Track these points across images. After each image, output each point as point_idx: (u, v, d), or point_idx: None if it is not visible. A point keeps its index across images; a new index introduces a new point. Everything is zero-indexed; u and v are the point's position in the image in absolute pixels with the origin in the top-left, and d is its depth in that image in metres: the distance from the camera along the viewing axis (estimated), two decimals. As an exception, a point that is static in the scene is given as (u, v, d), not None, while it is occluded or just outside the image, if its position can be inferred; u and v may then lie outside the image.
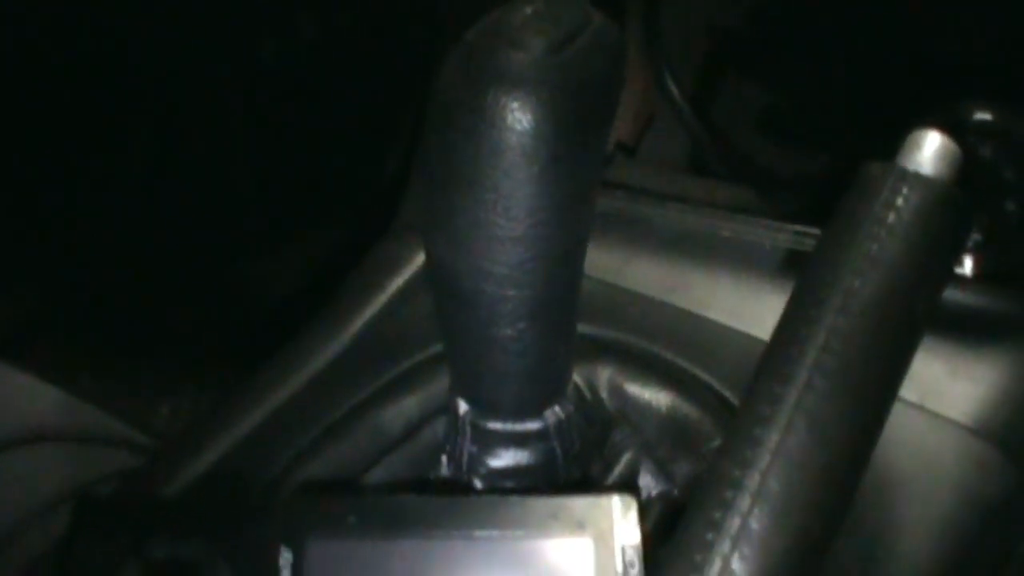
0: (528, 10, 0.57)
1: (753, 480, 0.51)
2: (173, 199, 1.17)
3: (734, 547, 0.50)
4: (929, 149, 0.57)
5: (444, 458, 0.73)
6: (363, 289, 0.92)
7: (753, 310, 0.83)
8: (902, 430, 0.60)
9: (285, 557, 0.60)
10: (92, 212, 1.12)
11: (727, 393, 0.78)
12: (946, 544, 0.72)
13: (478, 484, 0.68)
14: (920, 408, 0.75)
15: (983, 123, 0.87)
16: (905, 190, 0.55)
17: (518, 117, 0.54)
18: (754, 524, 0.51)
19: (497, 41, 0.55)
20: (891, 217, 0.55)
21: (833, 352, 0.53)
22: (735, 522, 0.51)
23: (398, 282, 0.92)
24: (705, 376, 0.79)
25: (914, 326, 0.56)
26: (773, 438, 0.52)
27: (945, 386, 0.76)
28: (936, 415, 0.76)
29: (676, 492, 0.73)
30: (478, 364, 0.64)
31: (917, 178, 0.56)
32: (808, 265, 0.57)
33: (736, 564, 0.50)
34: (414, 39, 1.16)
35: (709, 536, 0.51)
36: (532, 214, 0.57)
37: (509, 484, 0.68)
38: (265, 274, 1.32)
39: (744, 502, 0.51)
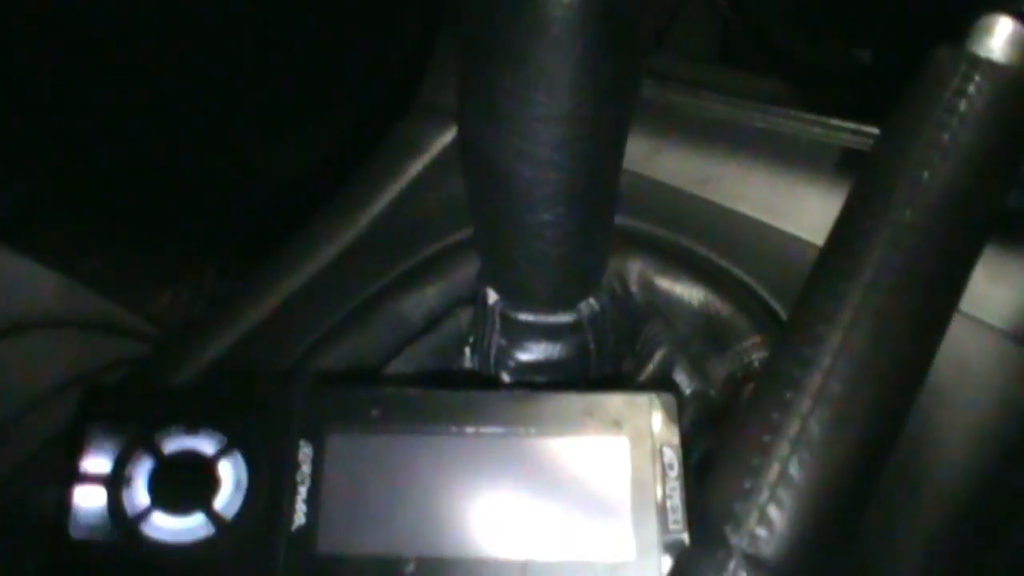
0: None
1: (814, 381, 0.48)
2: (173, 75, 1.14)
3: (793, 451, 0.47)
4: (1001, 35, 0.53)
5: (468, 350, 0.71)
6: (382, 173, 0.89)
7: (787, 205, 0.80)
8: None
9: (305, 451, 0.57)
10: (89, 89, 1.09)
11: (761, 291, 0.75)
12: (985, 451, 0.70)
13: (506, 378, 0.65)
14: (960, 313, 0.72)
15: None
16: (977, 77, 0.52)
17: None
18: (815, 427, 0.47)
19: None
20: (963, 105, 0.51)
21: (901, 247, 0.49)
22: (794, 425, 0.47)
23: (419, 165, 0.88)
24: (738, 272, 0.77)
25: (985, 220, 0.53)
26: (836, 337, 0.48)
27: (985, 291, 0.74)
28: (976, 320, 0.73)
29: (712, 392, 0.69)
30: (512, 251, 0.62)
31: (990, 65, 0.52)
32: (872, 154, 0.53)
33: (794, 469, 0.47)
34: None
35: (766, 438, 0.48)
36: (577, 92, 0.53)
37: (539, 379, 0.65)
38: (272, 157, 1.30)
39: (804, 403, 0.47)
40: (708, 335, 0.73)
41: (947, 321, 0.52)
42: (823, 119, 0.83)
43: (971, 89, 0.51)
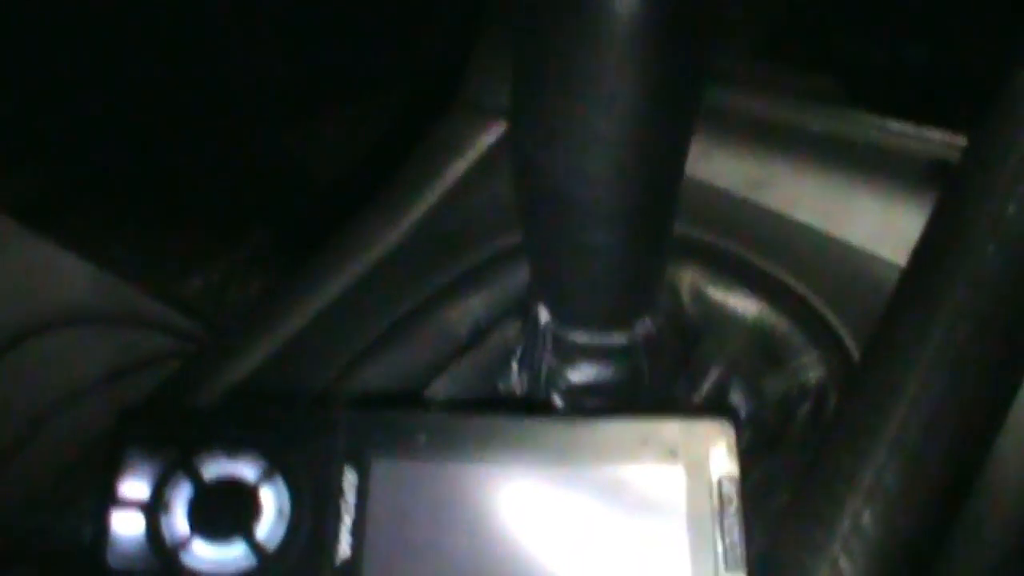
0: None
1: (890, 430, 0.46)
2: (204, 55, 1.12)
3: (866, 502, 0.45)
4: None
5: (515, 366, 0.69)
6: (423, 173, 0.87)
7: (844, 213, 0.78)
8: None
9: (349, 478, 0.55)
10: (115, 69, 1.07)
11: (817, 304, 0.73)
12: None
13: (557, 399, 0.64)
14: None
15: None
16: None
17: (634, 6, 0.48)
18: (889, 478, 0.45)
19: None
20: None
21: (981, 288, 0.47)
22: (869, 475, 0.45)
23: (462, 165, 0.86)
24: (793, 283, 0.74)
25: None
26: (913, 385, 0.46)
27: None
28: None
29: (767, 414, 0.67)
30: (567, 271, 0.61)
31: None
32: (953, 180, 0.51)
33: (867, 521, 0.45)
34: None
35: (839, 487, 0.45)
36: (636, 114, 0.52)
37: (590, 400, 0.63)
38: (304, 145, 1.28)
39: (879, 453, 0.45)
40: (763, 351, 0.72)
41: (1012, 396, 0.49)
42: (881, 121, 0.81)
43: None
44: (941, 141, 0.76)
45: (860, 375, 0.51)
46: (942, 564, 0.56)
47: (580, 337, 0.62)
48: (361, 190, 0.89)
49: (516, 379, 0.68)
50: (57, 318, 0.97)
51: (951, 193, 0.51)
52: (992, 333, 0.47)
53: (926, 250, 0.51)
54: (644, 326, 0.62)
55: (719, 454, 0.57)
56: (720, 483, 0.56)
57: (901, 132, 0.80)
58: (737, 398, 0.70)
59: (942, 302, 0.48)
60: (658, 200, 0.56)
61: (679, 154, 0.56)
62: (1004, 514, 0.66)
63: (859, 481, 0.46)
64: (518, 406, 0.68)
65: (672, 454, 0.57)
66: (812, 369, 0.70)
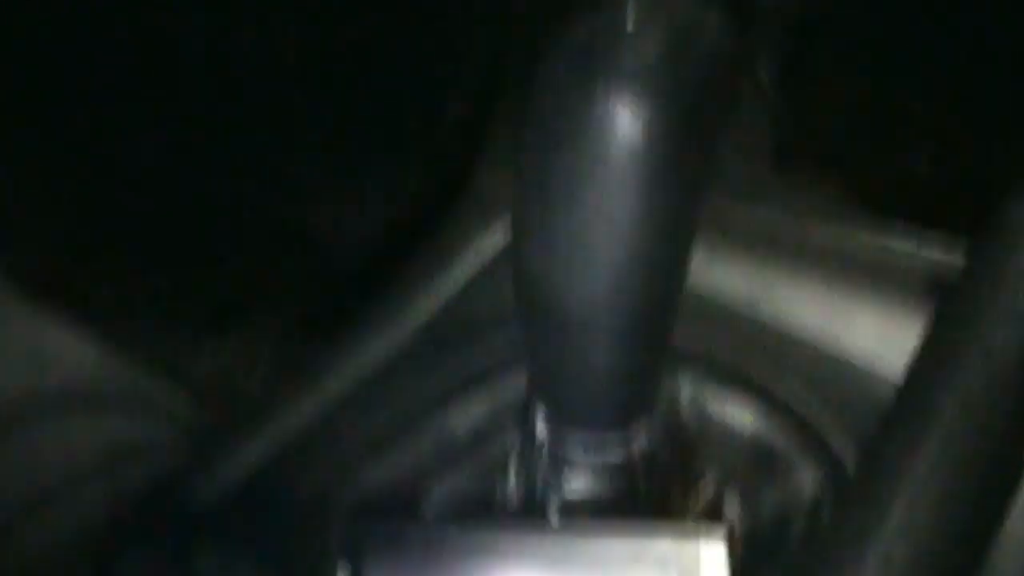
0: (643, 9, 0.51)
1: (876, 552, 0.46)
2: (210, 133, 1.14)
3: None
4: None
5: (512, 473, 0.70)
6: (430, 273, 0.88)
7: (844, 327, 0.79)
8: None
9: (345, 586, 0.56)
10: (127, 141, 1.09)
11: (815, 419, 0.74)
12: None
13: (553, 512, 0.64)
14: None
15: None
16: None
17: (628, 124, 0.50)
18: None
19: (610, 39, 0.51)
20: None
21: (969, 422, 0.48)
22: None
23: (468, 269, 0.88)
24: (792, 399, 0.75)
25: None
26: (895, 516, 0.47)
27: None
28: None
29: (763, 527, 0.68)
30: (565, 379, 0.62)
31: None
32: (942, 311, 0.52)
33: None
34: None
35: None
36: (635, 233, 0.53)
37: (585, 513, 0.63)
38: (315, 228, 1.29)
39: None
40: (759, 465, 0.73)
41: (1012, 495, 0.50)
42: (881, 234, 0.82)
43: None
44: (940, 255, 0.77)
45: (849, 494, 0.52)
46: None
47: (577, 454, 0.63)
48: (378, 275, 0.90)
49: (513, 486, 0.68)
50: (59, 400, 0.98)
51: (944, 315, 0.52)
52: (977, 467, 0.48)
53: (919, 369, 0.52)
54: (640, 445, 0.63)
55: (711, 568, 0.57)
56: (711, 600, 0.57)
57: (901, 246, 0.81)
58: (732, 511, 0.70)
59: (928, 433, 0.49)
60: (656, 316, 0.58)
61: (678, 272, 0.57)
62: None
63: (868, 561, 0.47)
64: (514, 517, 0.68)
65: (664, 568, 0.57)
66: (808, 484, 0.70)
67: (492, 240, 0.88)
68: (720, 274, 0.84)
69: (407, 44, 1.18)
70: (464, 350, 0.80)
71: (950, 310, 0.53)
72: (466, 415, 0.76)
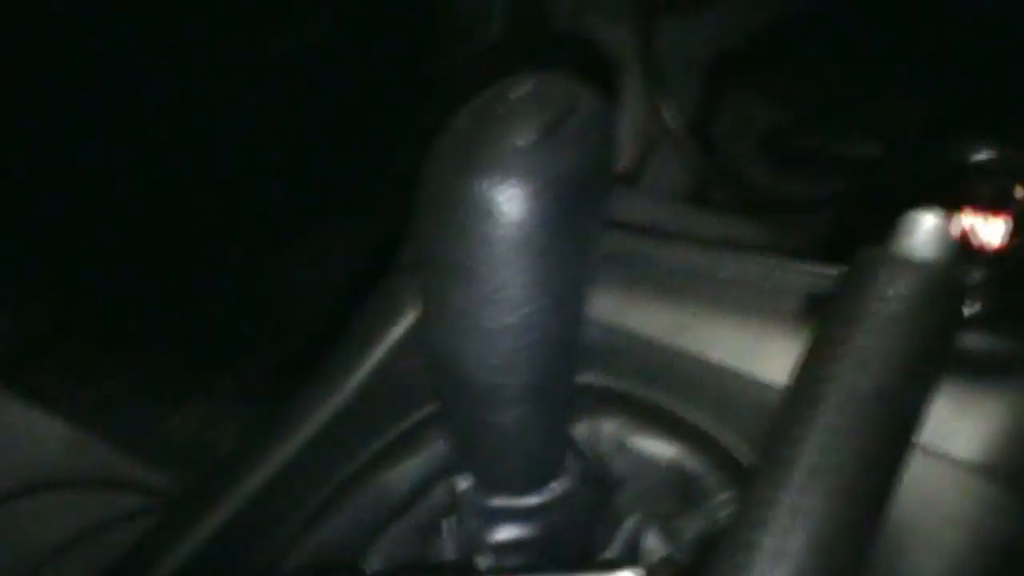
0: (517, 93, 0.57)
1: (770, 543, 0.51)
2: (176, 201, 1.16)
3: None
4: (923, 232, 0.57)
5: (445, 527, 0.73)
6: (362, 339, 0.91)
7: (758, 351, 0.82)
8: (909, 472, 0.60)
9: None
10: (91, 218, 1.11)
11: (732, 444, 0.77)
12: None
13: (481, 560, 0.68)
14: (926, 449, 0.75)
15: (986, 162, 0.86)
16: (899, 279, 0.55)
17: (508, 208, 0.54)
18: None
19: (486, 129, 0.55)
20: (886, 308, 0.55)
21: (830, 453, 0.52)
22: None
23: (397, 330, 0.91)
24: (710, 427, 0.79)
25: (913, 416, 0.56)
26: (770, 544, 0.51)
27: (951, 425, 0.76)
28: (944, 456, 0.75)
29: (681, 556, 0.72)
30: (477, 444, 0.65)
31: (911, 264, 0.56)
32: (803, 358, 0.56)
33: None
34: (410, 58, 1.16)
35: None
36: (526, 303, 0.57)
37: (512, 558, 0.67)
38: (271, 288, 1.32)
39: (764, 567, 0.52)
40: (678, 494, 0.76)
41: (881, 513, 0.55)
42: (795, 264, 0.86)
43: (891, 292, 0.54)
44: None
45: (743, 491, 0.58)
46: None
47: (497, 501, 0.67)
48: (333, 327, 0.94)
49: (447, 538, 0.72)
50: (31, 482, 1.01)
51: (805, 365, 0.57)
52: (856, 449, 0.53)
53: (801, 372, 0.57)
54: (558, 486, 0.67)
55: (631, 605, 0.62)
56: (631, 632, 0.61)
57: (811, 272, 0.85)
58: (653, 541, 0.74)
59: (812, 423, 0.54)
60: (556, 378, 0.61)
61: (572, 335, 0.61)
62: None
63: None
64: (450, 567, 0.72)
65: (587, 607, 0.62)
66: (725, 508, 0.74)
67: (417, 308, 0.91)
68: (640, 311, 0.88)
69: (355, 115, 1.22)
70: (398, 411, 0.83)
71: (828, 321, 0.58)
72: (403, 473, 0.79)
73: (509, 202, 0.54)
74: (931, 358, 0.57)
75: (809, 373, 0.56)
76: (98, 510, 1.03)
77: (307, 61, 1.21)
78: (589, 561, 0.71)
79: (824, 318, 0.58)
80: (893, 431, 0.55)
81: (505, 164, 0.55)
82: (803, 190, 1.10)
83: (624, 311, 0.84)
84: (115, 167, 1.16)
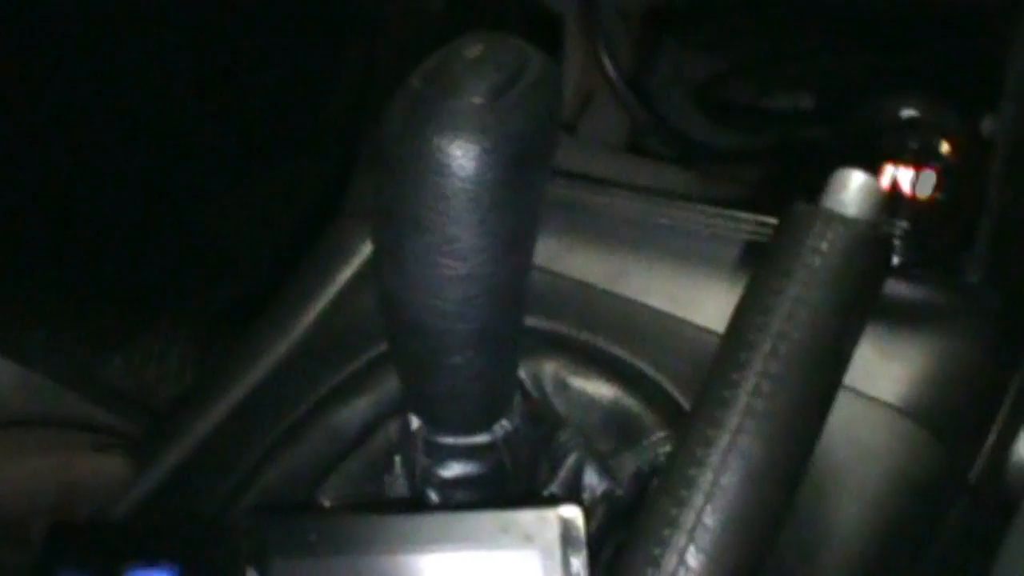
0: (469, 54, 0.59)
1: (689, 518, 0.55)
2: (99, 136, 1.16)
3: (689, 542, 0.56)
4: (852, 189, 0.60)
5: (397, 462, 0.75)
6: (311, 281, 0.95)
7: (694, 297, 0.87)
8: (835, 412, 0.64)
9: (252, 576, 0.64)
10: (18, 149, 1.11)
11: (668, 385, 0.82)
12: (878, 525, 0.77)
13: (431, 494, 0.71)
14: (851, 390, 0.79)
15: (913, 117, 0.90)
16: (829, 233, 0.59)
17: (462, 164, 0.56)
18: (708, 520, 0.56)
19: (439, 89, 0.57)
20: (817, 261, 0.58)
21: (764, 395, 0.56)
22: (690, 518, 0.57)
23: (346, 273, 0.94)
24: (647, 367, 0.83)
25: (840, 362, 0.60)
26: (706, 480, 0.56)
27: (875, 368, 0.80)
28: (867, 397, 0.79)
29: (620, 491, 0.76)
30: (428, 387, 0.68)
31: (841, 220, 0.59)
32: (739, 307, 0.60)
33: (691, 558, 0.56)
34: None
35: (666, 531, 0.57)
36: (477, 254, 0.59)
37: (461, 493, 0.71)
38: (219, 222, 1.33)
39: (698, 499, 0.57)
40: (618, 432, 0.80)
41: (811, 451, 0.59)
42: (726, 212, 0.90)
43: (824, 246, 0.58)
44: (763, 231, 0.85)
45: (681, 431, 0.60)
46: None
47: (446, 439, 0.70)
48: (278, 268, 0.96)
49: (399, 474, 0.75)
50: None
51: (738, 315, 0.61)
52: (787, 393, 0.57)
53: (736, 321, 0.61)
54: (503, 427, 0.70)
55: (568, 537, 0.65)
56: (570, 561, 0.65)
57: (743, 220, 0.89)
58: (592, 478, 0.77)
59: (747, 368, 0.57)
60: (503, 324, 0.64)
61: (520, 283, 0.63)
62: (838, 545, 0.75)
63: (681, 524, 0.56)
64: (395, 505, 0.75)
65: (528, 539, 0.65)
66: (661, 446, 0.78)
67: (367, 247, 0.94)
68: (579, 257, 0.91)
69: (289, 56, 1.23)
70: (348, 351, 0.87)
71: (761, 273, 0.62)
72: (353, 411, 0.82)
73: (463, 159, 0.57)
74: (858, 308, 0.60)
75: (745, 321, 0.59)
76: (54, 447, 1.04)
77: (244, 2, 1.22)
78: (533, 497, 0.75)
79: (758, 269, 0.61)
80: (822, 376, 0.59)
81: (459, 123, 0.57)
82: (736, 141, 1.13)
83: (564, 257, 0.88)
84: (49, 107, 1.16)
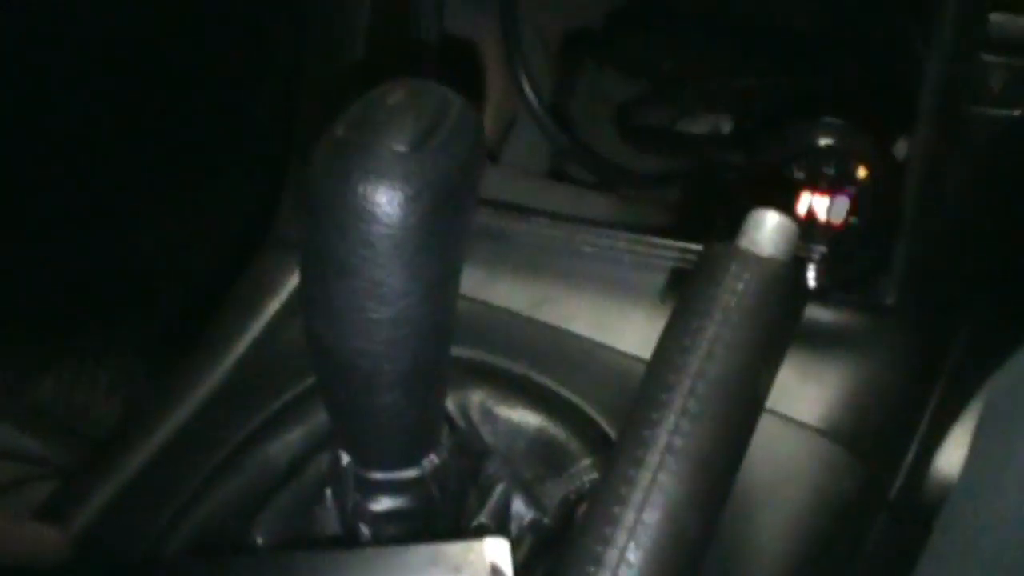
0: (391, 101, 0.60)
1: (613, 556, 0.57)
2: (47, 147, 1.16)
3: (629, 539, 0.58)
4: (767, 229, 0.62)
5: (328, 494, 0.77)
6: (240, 312, 0.95)
7: (617, 324, 0.88)
8: (757, 435, 0.65)
9: (185, 622, 0.65)
10: None
11: (593, 412, 0.83)
12: (800, 545, 0.79)
13: (362, 527, 0.72)
14: (772, 412, 0.80)
15: (826, 145, 0.92)
16: (746, 274, 0.61)
17: (386, 211, 0.57)
18: (631, 556, 0.58)
19: (362, 136, 0.58)
20: (733, 301, 0.60)
21: (683, 434, 0.58)
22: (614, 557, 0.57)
23: (274, 305, 0.95)
24: (571, 395, 0.84)
25: (759, 395, 0.62)
26: (629, 517, 0.57)
27: (795, 390, 0.82)
28: (787, 419, 0.81)
29: (546, 520, 0.77)
30: (356, 425, 0.69)
31: (757, 260, 0.61)
32: (659, 345, 0.62)
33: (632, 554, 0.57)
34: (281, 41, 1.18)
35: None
36: (403, 297, 0.61)
37: (392, 526, 0.72)
38: (153, 239, 1.33)
39: (621, 540, 0.58)
40: (543, 461, 0.81)
41: (731, 482, 0.61)
42: (647, 238, 0.91)
43: (740, 286, 0.60)
44: (685, 260, 0.87)
45: (605, 469, 0.63)
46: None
47: (376, 475, 0.71)
48: (203, 291, 0.96)
49: (330, 509, 0.76)
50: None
51: (658, 355, 0.62)
52: (706, 429, 0.59)
53: (657, 360, 0.63)
54: (430, 462, 0.71)
55: (496, 567, 0.67)
56: (499, 594, 0.66)
57: (665, 247, 0.91)
58: (519, 506, 0.79)
59: (667, 407, 0.59)
60: (431, 365, 0.65)
61: (446, 323, 0.65)
62: (761, 569, 0.77)
63: (606, 561, 0.58)
64: (327, 542, 0.77)
65: (457, 571, 0.67)
66: (587, 474, 0.80)
67: (294, 279, 0.95)
68: (503, 285, 0.93)
69: (212, 85, 1.23)
70: (278, 384, 0.87)
71: (681, 312, 0.64)
72: (285, 445, 0.83)
73: (388, 205, 0.58)
74: (775, 343, 0.62)
75: (664, 360, 0.61)
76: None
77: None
78: (461, 528, 0.76)
79: (678, 308, 0.63)
80: (741, 411, 0.61)
81: (383, 170, 0.58)
82: (654, 165, 1.15)
83: (487, 285, 0.90)
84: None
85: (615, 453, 0.61)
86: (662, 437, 0.58)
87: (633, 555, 0.57)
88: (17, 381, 1.21)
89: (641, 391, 0.61)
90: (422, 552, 0.67)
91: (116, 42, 1.15)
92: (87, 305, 1.30)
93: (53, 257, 1.24)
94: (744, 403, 0.61)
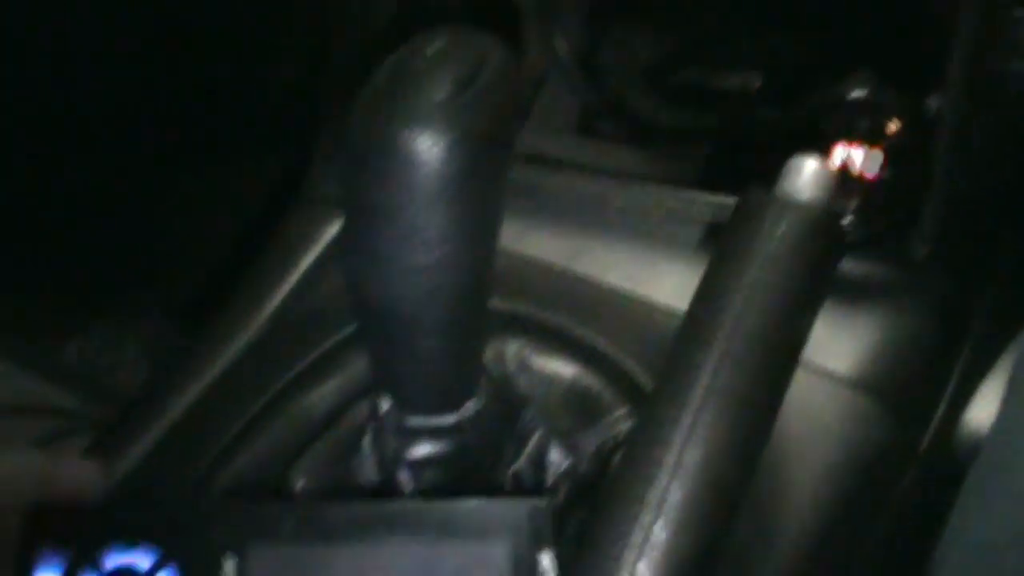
0: (431, 50, 0.60)
1: (654, 495, 0.57)
2: (74, 122, 1.17)
3: (656, 517, 0.58)
4: (805, 175, 0.63)
5: (366, 446, 0.78)
6: (275, 268, 0.96)
7: (652, 276, 0.89)
8: (791, 387, 0.66)
9: (230, 564, 0.65)
10: None
11: (627, 362, 0.84)
12: (830, 496, 0.79)
13: (400, 475, 0.73)
14: (803, 364, 0.81)
15: (860, 99, 0.92)
16: (785, 219, 0.61)
17: (428, 159, 0.58)
18: (672, 496, 0.58)
19: (403, 85, 0.59)
20: (773, 246, 0.60)
21: (725, 375, 0.58)
22: (655, 495, 0.58)
23: (309, 258, 0.95)
24: (606, 346, 0.85)
25: (797, 341, 0.62)
26: (671, 459, 0.58)
27: (826, 342, 0.82)
28: (819, 370, 0.81)
29: (582, 468, 0.78)
30: (399, 370, 0.70)
31: (796, 206, 0.61)
32: (699, 290, 0.63)
33: (658, 531, 0.58)
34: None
35: (633, 506, 0.59)
36: (444, 244, 0.61)
37: (428, 473, 0.73)
38: (176, 209, 1.33)
39: (663, 477, 0.58)
40: (579, 410, 0.82)
41: (770, 428, 0.61)
42: (679, 191, 0.92)
43: (779, 231, 0.60)
44: (719, 212, 0.87)
45: (645, 411, 0.63)
46: (735, 563, 0.68)
47: (414, 420, 0.72)
48: (233, 255, 0.97)
49: (368, 457, 0.77)
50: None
51: (701, 295, 0.63)
52: (748, 371, 0.60)
53: (697, 305, 0.63)
54: (468, 408, 0.72)
55: (537, 531, 0.67)
56: (539, 557, 0.67)
57: (696, 199, 0.91)
58: (556, 455, 0.80)
59: (709, 348, 0.60)
60: (471, 310, 0.66)
61: (486, 271, 0.65)
62: (793, 518, 0.78)
63: (648, 500, 0.58)
64: (367, 492, 0.77)
65: (497, 532, 0.67)
66: (621, 423, 0.81)
67: (330, 231, 0.96)
68: (538, 238, 0.93)
69: (239, 51, 1.24)
70: (314, 335, 0.88)
71: (720, 258, 0.64)
72: (321, 395, 0.84)
73: (429, 152, 0.58)
74: (814, 289, 0.63)
75: (705, 304, 0.62)
76: (17, 434, 1.05)
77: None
78: (498, 476, 0.77)
79: (717, 254, 0.63)
80: (779, 355, 0.61)
81: (424, 117, 0.58)
82: (686, 121, 1.15)
83: (523, 238, 0.90)
84: (10, 93, 1.16)
85: (654, 396, 0.61)
86: (704, 378, 0.59)
87: (674, 495, 0.57)
88: (45, 342, 1.21)
89: (681, 334, 0.62)
90: (464, 507, 0.67)
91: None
92: (118, 272, 1.30)
93: (85, 225, 1.25)
94: (784, 348, 0.61)
